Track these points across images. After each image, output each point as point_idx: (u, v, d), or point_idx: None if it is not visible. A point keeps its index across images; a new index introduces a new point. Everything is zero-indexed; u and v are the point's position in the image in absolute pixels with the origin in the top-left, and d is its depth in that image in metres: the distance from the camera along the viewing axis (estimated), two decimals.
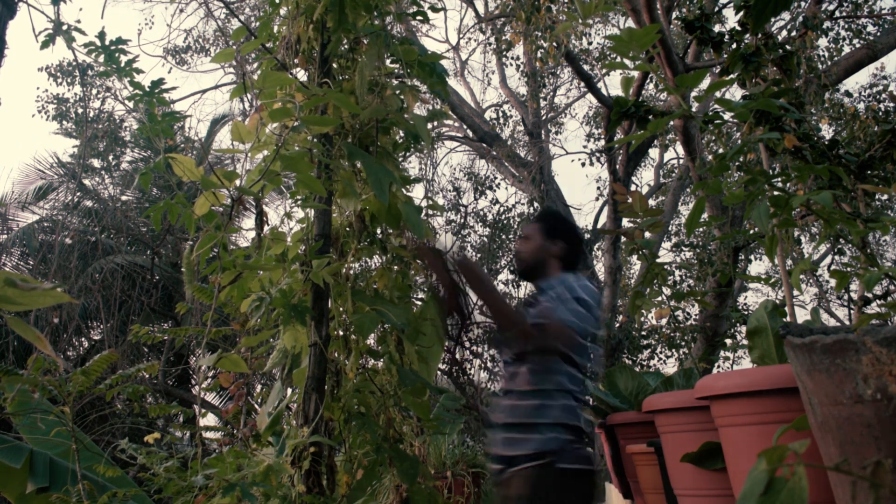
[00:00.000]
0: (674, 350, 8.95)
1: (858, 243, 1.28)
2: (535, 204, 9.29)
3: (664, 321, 8.80)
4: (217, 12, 9.31)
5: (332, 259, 1.72)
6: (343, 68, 1.88)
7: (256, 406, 2.29)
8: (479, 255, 10.58)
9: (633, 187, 9.78)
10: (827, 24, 7.27)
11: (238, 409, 2.14)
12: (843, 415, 0.78)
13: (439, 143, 10.47)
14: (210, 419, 10.23)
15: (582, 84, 9.67)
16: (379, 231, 1.90)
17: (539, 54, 6.58)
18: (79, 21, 1.57)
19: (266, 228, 1.77)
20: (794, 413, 1.11)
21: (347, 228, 1.83)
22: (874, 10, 7.68)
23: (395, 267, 1.91)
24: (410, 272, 2.05)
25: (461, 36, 11.70)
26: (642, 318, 9.26)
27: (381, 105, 1.72)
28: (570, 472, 1.93)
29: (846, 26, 7.57)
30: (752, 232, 2.26)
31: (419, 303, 2.03)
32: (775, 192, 1.26)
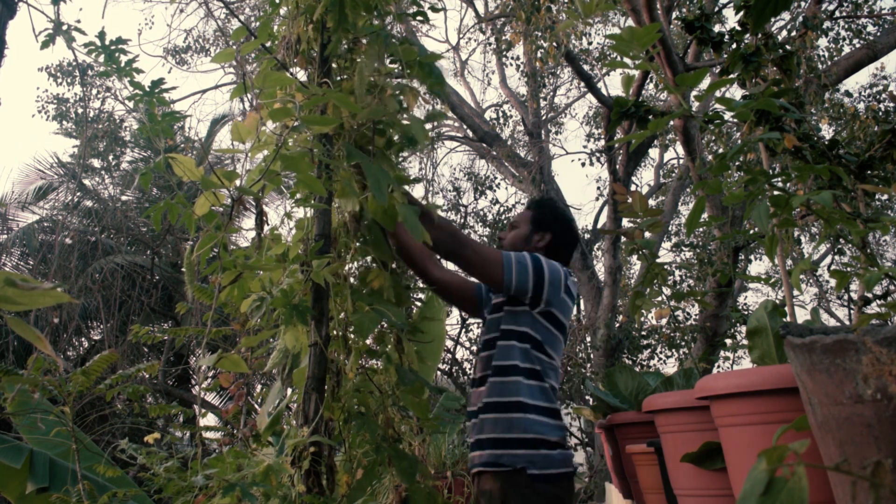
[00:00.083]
0: (674, 350, 8.95)
1: (858, 243, 1.28)
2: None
3: (664, 321, 8.80)
4: (217, 12, 9.32)
5: (333, 259, 1.72)
6: (343, 68, 1.88)
7: (256, 406, 2.29)
8: None
9: (633, 187, 9.78)
10: (827, 24, 7.28)
11: (238, 409, 2.14)
12: (843, 415, 0.78)
13: (439, 143, 10.48)
14: (210, 419, 10.23)
15: (582, 84, 9.67)
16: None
17: (539, 54, 6.58)
18: (79, 21, 1.57)
19: (266, 228, 1.77)
20: (794, 413, 1.11)
21: (344, 228, 1.83)
22: (874, 10, 7.69)
23: (395, 266, 1.91)
24: (410, 272, 2.05)
25: (461, 36, 11.71)
26: (642, 318, 9.25)
27: (380, 105, 1.72)
28: (542, 477, 1.88)
29: (846, 26, 7.57)
30: (752, 232, 2.26)
31: (419, 303, 2.03)
32: (775, 192, 1.26)
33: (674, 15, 6.71)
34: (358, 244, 1.84)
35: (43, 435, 2.85)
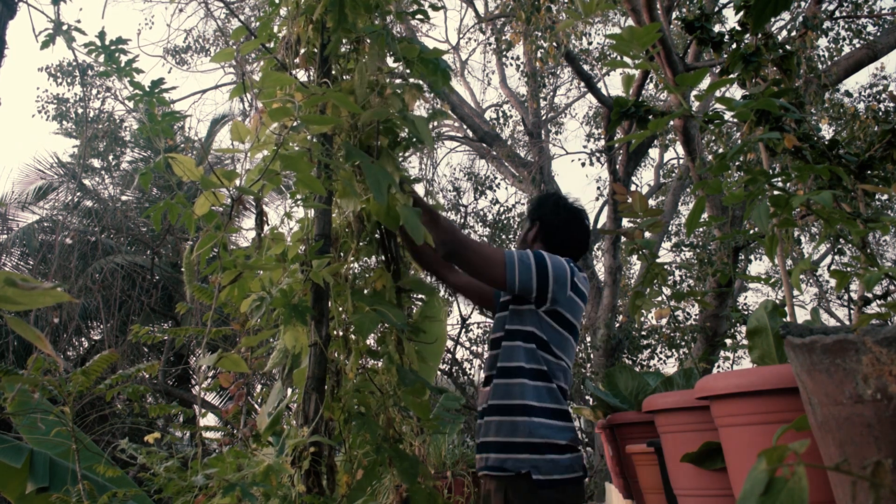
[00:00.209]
0: (674, 350, 8.95)
1: (858, 243, 1.28)
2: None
3: (664, 321, 8.80)
4: (217, 12, 9.32)
5: (333, 259, 1.72)
6: (343, 69, 1.88)
7: (256, 406, 2.29)
8: None
9: (633, 187, 9.78)
10: (827, 24, 7.28)
11: (238, 409, 2.14)
12: (843, 415, 0.78)
13: (439, 143, 10.47)
14: (210, 419, 10.24)
15: (582, 84, 9.67)
16: (378, 231, 1.91)
17: (539, 54, 6.58)
18: (79, 21, 1.57)
19: (266, 228, 1.77)
20: (794, 413, 1.11)
21: (347, 229, 1.83)
22: (874, 10, 7.69)
23: (395, 267, 1.91)
24: (410, 272, 2.05)
25: (461, 36, 11.71)
26: (642, 318, 9.26)
27: (381, 105, 1.72)
28: (546, 483, 1.84)
29: (846, 26, 7.57)
30: (752, 232, 2.26)
31: (419, 303, 2.03)
32: (775, 192, 1.26)
33: (674, 15, 6.71)
34: (362, 244, 1.84)
35: (43, 435, 2.85)
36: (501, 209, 10.40)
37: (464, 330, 9.59)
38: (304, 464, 1.54)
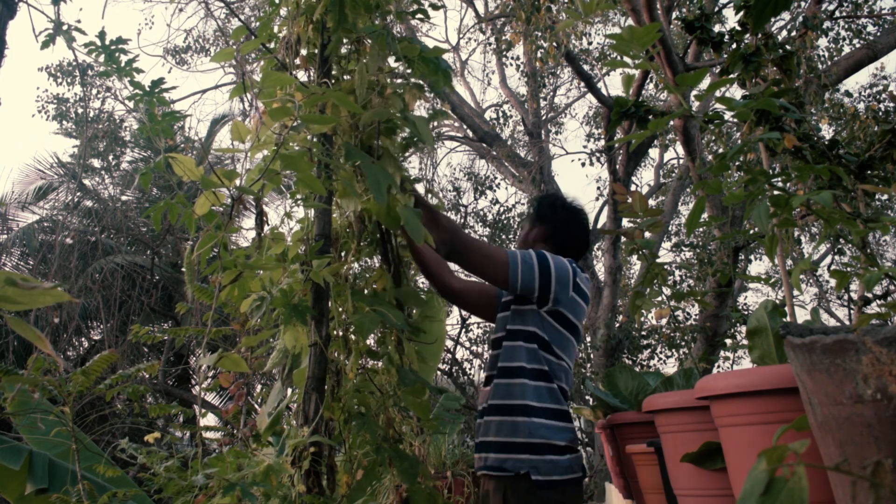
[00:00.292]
0: (674, 350, 8.95)
1: (858, 243, 1.28)
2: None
3: (664, 321, 8.80)
4: (217, 12, 9.32)
5: (333, 259, 1.72)
6: (343, 69, 1.88)
7: (256, 406, 2.29)
8: None
9: (633, 187, 9.78)
10: (827, 24, 7.28)
11: (238, 409, 2.14)
12: (843, 415, 0.78)
13: (439, 143, 10.47)
14: (210, 419, 10.24)
15: (582, 84, 9.67)
16: (379, 232, 1.91)
17: (539, 54, 6.58)
18: (79, 21, 1.57)
19: (266, 228, 1.77)
20: (794, 413, 1.11)
21: (347, 229, 1.83)
22: (874, 10, 7.69)
23: (395, 269, 1.91)
24: (410, 272, 2.05)
25: (461, 36, 11.71)
26: (642, 318, 9.26)
27: (382, 105, 1.72)
28: (545, 483, 1.84)
29: (846, 26, 7.57)
30: (752, 232, 2.26)
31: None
32: (775, 192, 1.26)
33: (674, 15, 6.71)
34: (363, 244, 1.84)
35: (43, 435, 2.85)
36: (501, 209, 10.40)
37: (464, 330, 9.59)
38: (304, 464, 1.54)
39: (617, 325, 8.46)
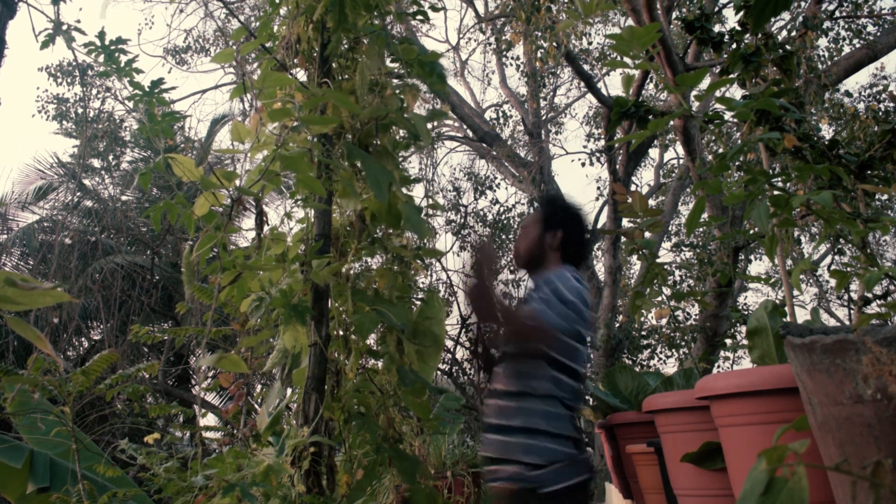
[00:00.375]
0: (674, 350, 8.95)
1: (858, 243, 1.28)
2: (535, 204, 9.29)
3: (664, 321, 8.80)
4: (217, 12, 9.32)
5: (333, 259, 1.72)
6: (343, 68, 1.88)
7: (256, 406, 2.29)
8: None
9: (633, 187, 9.78)
10: (827, 24, 7.28)
11: (238, 409, 2.14)
12: (843, 415, 0.78)
13: (439, 143, 10.48)
14: (210, 419, 10.24)
15: (582, 84, 9.67)
16: (379, 231, 1.91)
17: (539, 54, 6.58)
18: (79, 21, 1.57)
19: (266, 228, 1.77)
20: (794, 413, 1.11)
21: (348, 228, 1.83)
22: (874, 10, 7.69)
23: (395, 267, 1.91)
24: (410, 272, 2.05)
25: (461, 36, 11.71)
26: (642, 318, 9.26)
27: (381, 104, 1.72)
28: (554, 494, 1.87)
29: (846, 26, 7.57)
30: (752, 232, 2.26)
31: (419, 303, 2.03)
32: (775, 192, 1.26)
33: (674, 15, 6.71)
34: (363, 244, 1.84)
35: (43, 435, 2.85)
36: (501, 209, 10.40)
37: (464, 330, 9.59)
38: (304, 464, 1.54)
39: (617, 325, 8.46)
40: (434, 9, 1.91)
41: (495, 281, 1.92)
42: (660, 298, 1.92)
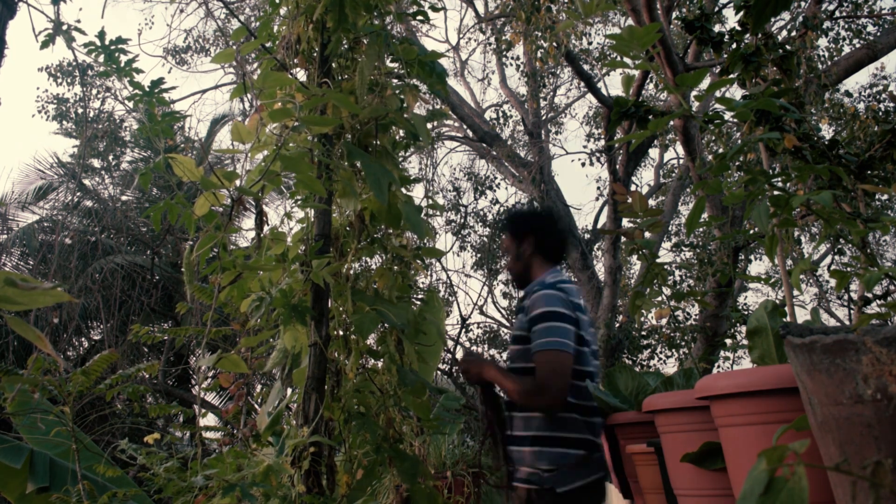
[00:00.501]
0: (674, 350, 8.95)
1: (858, 243, 1.28)
2: (535, 204, 9.29)
3: (664, 321, 8.80)
4: (217, 12, 9.32)
5: (333, 259, 1.72)
6: (343, 68, 1.88)
7: (256, 406, 2.29)
8: (479, 255, 10.58)
9: (633, 187, 9.78)
10: (827, 24, 7.27)
11: (238, 409, 2.14)
12: (843, 415, 0.78)
13: (439, 143, 10.48)
14: (210, 419, 10.23)
15: (582, 84, 9.67)
16: (379, 231, 1.91)
17: (539, 54, 6.58)
18: (79, 21, 1.57)
19: (266, 228, 1.77)
20: (794, 413, 1.11)
21: (347, 228, 1.83)
22: (874, 10, 7.68)
23: (395, 267, 1.91)
24: (410, 272, 2.05)
25: (461, 36, 11.70)
26: (642, 318, 9.25)
27: (380, 104, 1.72)
28: (568, 494, 1.97)
29: (846, 26, 7.57)
30: (752, 232, 2.26)
31: (419, 303, 2.03)
32: (775, 192, 1.26)
33: (674, 15, 6.71)
34: (363, 244, 1.84)
35: (43, 435, 2.85)
36: (501, 209, 10.39)
37: (464, 330, 9.59)
38: (304, 464, 1.54)
39: (617, 325, 8.46)
40: (434, 9, 1.91)
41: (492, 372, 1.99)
42: (660, 298, 1.92)
